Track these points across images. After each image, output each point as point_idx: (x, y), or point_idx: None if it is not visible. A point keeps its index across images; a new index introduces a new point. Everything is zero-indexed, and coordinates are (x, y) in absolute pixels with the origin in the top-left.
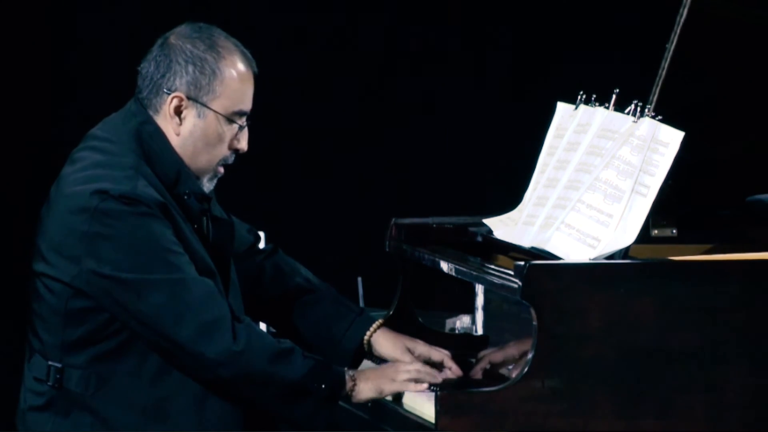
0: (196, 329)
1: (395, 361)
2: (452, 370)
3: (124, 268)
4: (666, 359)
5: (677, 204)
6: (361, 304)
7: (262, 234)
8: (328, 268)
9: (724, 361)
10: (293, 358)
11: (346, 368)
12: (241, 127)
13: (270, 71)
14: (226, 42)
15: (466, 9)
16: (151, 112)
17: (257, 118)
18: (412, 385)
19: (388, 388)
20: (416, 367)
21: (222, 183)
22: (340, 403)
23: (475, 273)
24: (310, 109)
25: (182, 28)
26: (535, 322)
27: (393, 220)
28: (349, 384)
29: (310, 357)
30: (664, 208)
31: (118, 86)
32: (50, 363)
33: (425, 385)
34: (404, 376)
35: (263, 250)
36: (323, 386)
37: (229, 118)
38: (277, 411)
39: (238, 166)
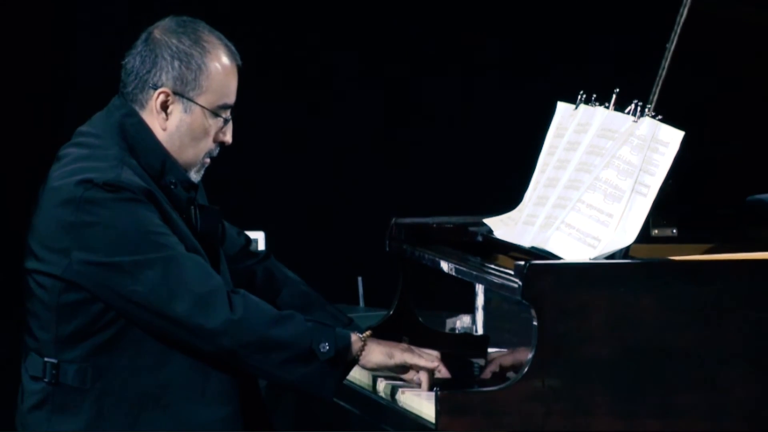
0: (192, 303)
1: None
2: (441, 373)
3: (114, 253)
4: (666, 359)
5: (677, 204)
6: (361, 304)
7: (262, 234)
8: (328, 268)
9: (725, 360)
10: (293, 321)
11: (353, 331)
12: (225, 120)
13: (272, 71)
14: (210, 36)
15: (466, 8)
16: (136, 108)
17: (257, 118)
18: (423, 361)
19: (399, 356)
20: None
21: (221, 183)
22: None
23: (475, 273)
24: (310, 109)
25: (166, 22)
26: (535, 322)
27: (393, 220)
28: (357, 344)
29: (311, 320)
30: (664, 208)
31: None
32: (46, 359)
33: (434, 364)
34: (416, 353)
35: (255, 253)
36: (327, 347)
37: (215, 112)
38: (282, 379)
39: (237, 166)
